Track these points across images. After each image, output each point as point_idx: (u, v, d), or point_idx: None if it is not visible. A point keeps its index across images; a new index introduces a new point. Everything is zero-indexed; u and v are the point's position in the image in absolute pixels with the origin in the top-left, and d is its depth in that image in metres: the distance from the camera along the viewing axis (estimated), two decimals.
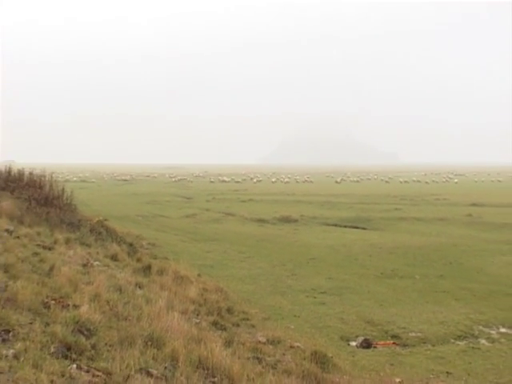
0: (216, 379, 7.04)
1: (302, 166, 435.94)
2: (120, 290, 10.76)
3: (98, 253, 16.61)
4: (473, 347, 14.77)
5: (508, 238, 37.00)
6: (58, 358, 6.09)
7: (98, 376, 5.89)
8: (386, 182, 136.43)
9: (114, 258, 16.95)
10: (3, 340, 6.30)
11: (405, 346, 14.83)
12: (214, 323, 12.02)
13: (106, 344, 6.98)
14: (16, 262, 10.73)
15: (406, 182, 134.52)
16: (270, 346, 11.22)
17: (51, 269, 10.92)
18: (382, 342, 14.92)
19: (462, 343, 15.24)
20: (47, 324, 7.14)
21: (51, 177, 25.93)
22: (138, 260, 18.04)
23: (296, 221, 47.29)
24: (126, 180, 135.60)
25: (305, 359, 10.26)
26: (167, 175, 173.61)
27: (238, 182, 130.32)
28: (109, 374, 6.01)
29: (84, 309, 7.89)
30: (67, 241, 16.53)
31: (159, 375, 6.40)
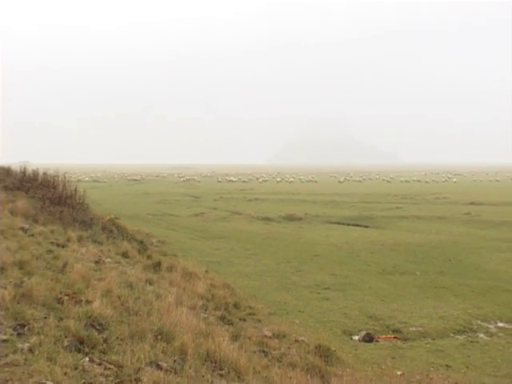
0: (223, 372, 7.04)
1: (303, 167, 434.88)
2: (131, 286, 10.77)
3: (109, 250, 16.63)
4: (471, 341, 14.73)
5: (506, 235, 36.84)
6: (71, 352, 6.10)
7: (109, 369, 5.90)
8: (388, 181, 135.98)
9: (125, 255, 16.95)
10: (19, 334, 6.32)
11: (406, 339, 14.80)
12: (222, 318, 12.02)
13: (117, 338, 6.99)
14: (31, 259, 10.77)
15: (406, 181, 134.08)
16: (276, 340, 11.22)
17: (64, 265, 10.94)
18: (384, 336, 14.91)
19: (461, 337, 15.20)
20: (61, 319, 7.15)
21: (64, 177, 25.98)
22: (148, 257, 18.04)
23: (300, 219, 47.24)
24: (136, 180, 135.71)
25: (309, 353, 10.27)
26: (176, 175, 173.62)
27: (244, 181, 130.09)
28: (120, 366, 6.02)
29: (96, 304, 7.89)
30: (80, 238, 16.56)
31: (169, 368, 6.40)
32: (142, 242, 22.25)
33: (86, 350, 6.31)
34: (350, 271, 24.05)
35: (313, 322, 15.42)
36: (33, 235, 14.64)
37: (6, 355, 5.65)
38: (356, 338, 14.72)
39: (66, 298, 8.22)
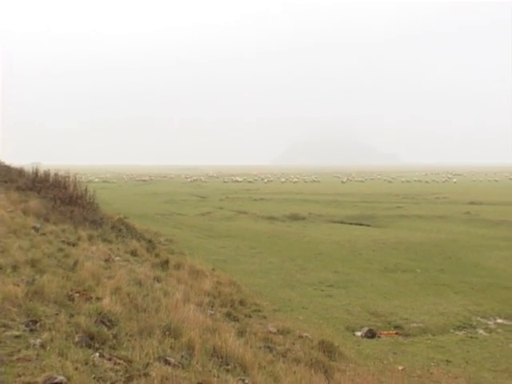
0: (230, 367, 7.02)
1: (306, 167, 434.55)
2: (139, 284, 10.76)
3: (118, 249, 16.63)
4: (471, 337, 14.70)
5: (504, 234, 36.76)
6: (81, 347, 6.10)
7: (119, 364, 5.90)
8: (389, 181, 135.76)
9: (134, 253, 16.95)
10: (31, 330, 6.33)
11: (407, 335, 14.78)
12: (228, 314, 12.01)
13: (126, 334, 6.98)
14: (42, 257, 10.79)
15: (407, 181, 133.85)
16: (280, 336, 11.21)
17: (75, 264, 10.95)
18: (386, 332, 14.88)
19: (460, 333, 15.17)
20: (72, 315, 7.16)
21: (75, 177, 26.01)
22: (157, 255, 18.05)
23: (304, 218, 47.25)
24: (144, 180, 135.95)
25: (313, 348, 10.25)
26: (183, 176, 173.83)
27: (250, 182, 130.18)
28: (129, 361, 6.02)
29: (106, 301, 7.89)
30: (90, 237, 16.56)
31: (176, 363, 6.39)
32: (150, 241, 22.26)
33: (97, 345, 6.30)
34: (353, 269, 24.03)
35: (316, 319, 15.41)
36: (44, 234, 14.66)
37: (19, 350, 5.66)
38: (358, 333, 14.71)
39: (77, 295, 8.23)
